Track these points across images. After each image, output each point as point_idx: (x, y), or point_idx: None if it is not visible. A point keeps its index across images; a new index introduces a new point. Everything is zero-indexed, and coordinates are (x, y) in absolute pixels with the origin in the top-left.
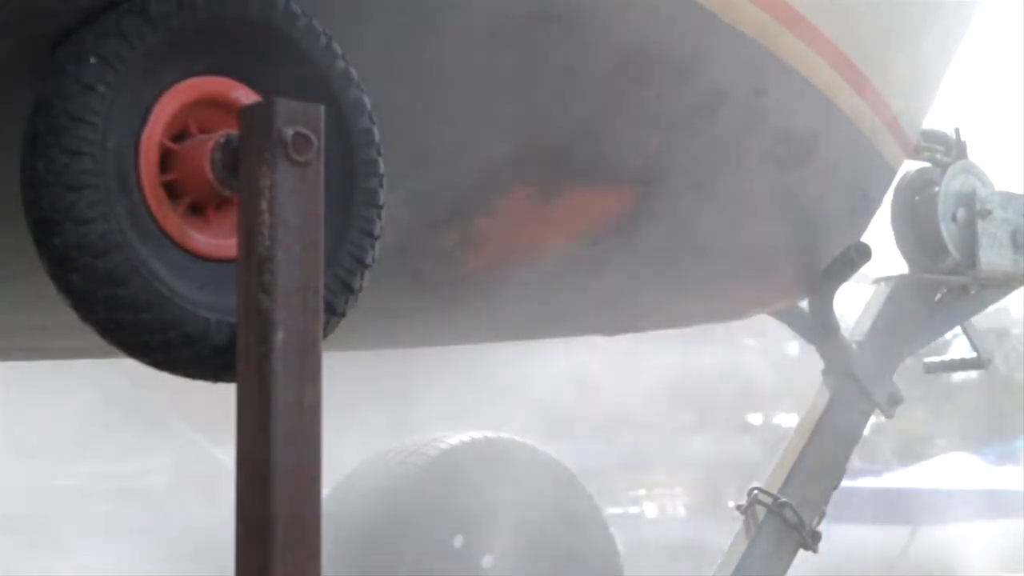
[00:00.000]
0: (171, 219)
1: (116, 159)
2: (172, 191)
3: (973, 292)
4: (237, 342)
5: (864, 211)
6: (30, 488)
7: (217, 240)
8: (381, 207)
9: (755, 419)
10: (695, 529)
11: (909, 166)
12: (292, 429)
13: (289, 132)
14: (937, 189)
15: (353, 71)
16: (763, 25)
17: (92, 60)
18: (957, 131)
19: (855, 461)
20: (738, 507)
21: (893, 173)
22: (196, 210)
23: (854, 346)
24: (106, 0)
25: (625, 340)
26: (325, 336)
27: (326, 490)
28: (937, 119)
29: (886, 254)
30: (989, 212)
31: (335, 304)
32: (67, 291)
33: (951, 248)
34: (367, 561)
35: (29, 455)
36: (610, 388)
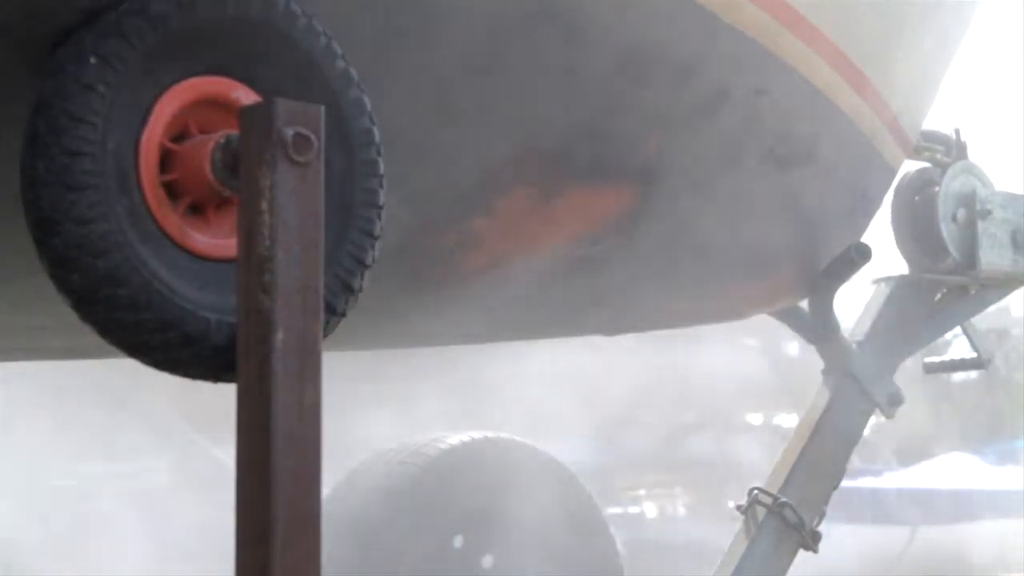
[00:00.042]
0: (171, 219)
1: (116, 159)
2: (172, 191)
3: (973, 292)
4: (237, 342)
5: (864, 211)
6: (30, 488)
7: (217, 240)
8: (381, 207)
9: (755, 419)
10: (695, 529)
11: (909, 166)
12: (292, 429)
13: (289, 132)
14: (937, 189)
15: (353, 71)
16: (763, 25)
17: (92, 60)
18: (957, 131)
19: (855, 461)
20: (738, 507)
21: (893, 173)
22: (196, 210)
23: (854, 346)
24: (106, 0)
25: (625, 340)
26: (325, 336)
27: (326, 490)
28: (937, 119)
29: (886, 254)
30: (989, 212)
31: (335, 304)
32: (67, 291)
33: (951, 248)
34: (367, 561)
35: (29, 455)
36: (610, 388)
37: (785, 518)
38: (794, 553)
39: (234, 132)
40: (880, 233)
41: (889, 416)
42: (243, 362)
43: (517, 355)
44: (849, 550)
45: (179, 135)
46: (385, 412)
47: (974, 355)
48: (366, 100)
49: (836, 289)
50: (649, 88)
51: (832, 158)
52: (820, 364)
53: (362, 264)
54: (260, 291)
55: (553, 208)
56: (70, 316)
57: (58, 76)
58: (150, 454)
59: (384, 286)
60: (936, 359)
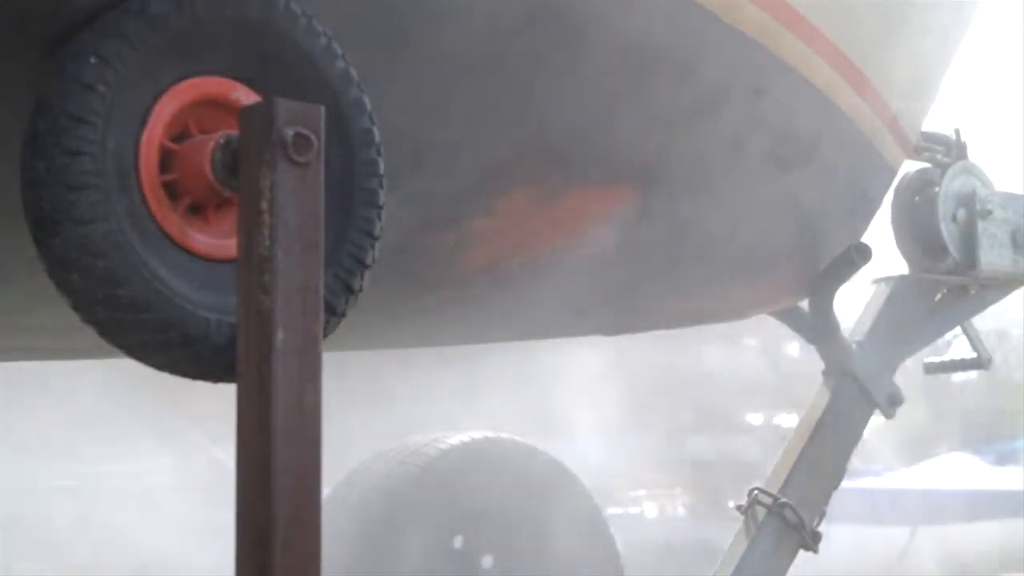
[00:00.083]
0: (171, 219)
1: (116, 159)
2: (172, 191)
3: (973, 292)
4: (237, 342)
5: (864, 211)
6: (30, 488)
7: (217, 240)
8: (381, 207)
9: (755, 419)
10: (695, 529)
11: (909, 166)
12: (292, 429)
13: (289, 132)
14: (937, 189)
15: (353, 71)
16: (763, 25)
17: (92, 60)
18: (957, 132)
19: (855, 461)
20: (738, 507)
21: (893, 173)
22: (196, 210)
23: (854, 346)
24: (106, 0)
25: (625, 340)
26: (325, 336)
27: (326, 490)
28: (937, 119)
29: (886, 254)
30: (989, 212)
31: (335, 304)
32: (67, 291)
33: (951, 248)
34: (367, 561)
35: (29, 455)
36: (610, 388)
37: (785, 518)
38: (794, 553)
39: (234, 132)
40: (880, 233)
41: (889, 416)
42: (243, 362)
43: (517, 355)
44: (849, 550)
45: (179, 135)
46: (385, 412)
47: (974, 355)
48: (366, 100)
49: (836, 289)
50: (649, 88)
51: (832, 158)
52: (820, 364)
53: (362, 264)
54: (260, 291)
55: (553, 208)
56: (70, 316)
57: (58, 76)
58: (150, 454)
59: (384, 286)
60: (936, 359)
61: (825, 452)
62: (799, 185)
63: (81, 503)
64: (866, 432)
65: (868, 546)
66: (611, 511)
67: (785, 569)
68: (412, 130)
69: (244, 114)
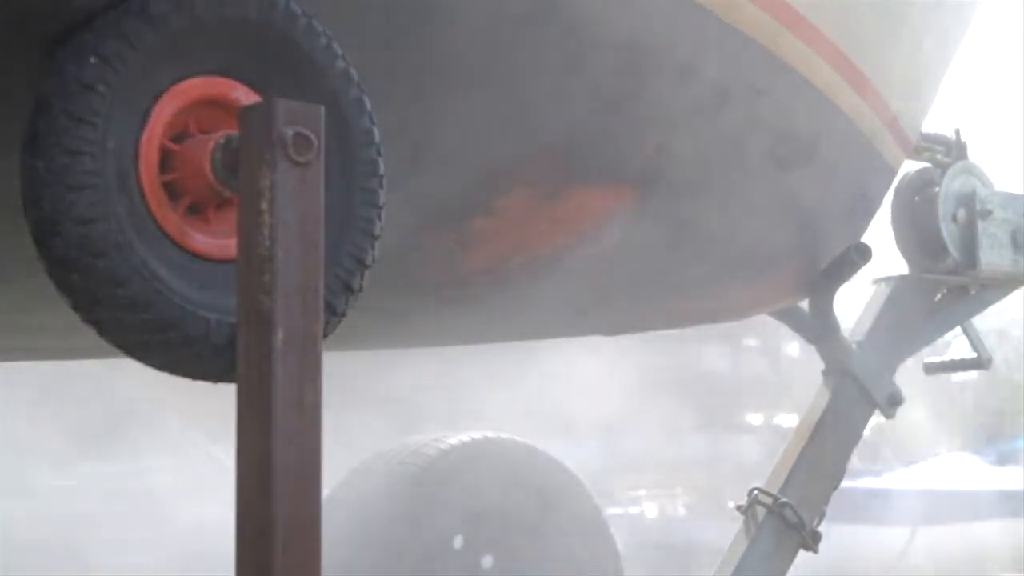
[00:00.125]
0: (171, 219)
1: (116, 159)
2: (172, 191)
3: (973, 292)
4: (237, 342)
5: (864, 211)
6: (30, 488)
7: (217, 240)
8: (381, 207)
9: (755, 419)
10: (695, 529)
11: (909, 166)
12: (292, 429)
13: (289, 132)
14: (937, 189)
15: (353, 71)
16: (763, 25)
17: (92, 60)
18: (957, 132)
19: (855, 461)
20: (738, 507)
21: (893, 173)
22: (196, 210)
23: (854, 346)
24: (106, 0)
25: (625, 340)
26: (325, 336)
27: (326, 490)
28: (937, 119)
29: (886, 254)
30: (989, 212)
31: (335, 304)
32: (67, 291)
33: (951, 248)
34: (367, 561)
35: (29, 455)
36: (610, 388)
37: (785, 518)
38: (794, 553)
39: (234, 132)
40: (880, 233)
41: (889, 416)
42: (243, 362)
43: (517, 355)
44: (849, 550)
45: (179, 135)
46: (385, 412)
47: (974, 355)
48: (366, 100)
49: (836, 289)
50: (649, 88)
51: (832, 158)
52: (820, 364)
53: (362, 264)
54: (260, 291)
55: (553, 208)
56: (70, 316)
57: (58, 76)
58: (150, 454)
59: (384, 286)
60: (936, 359)
61: (825, 452)
62: (799, 185)
63: (81, 503)
64: (866, 432)
65: (868, 546)
66: (611, 511)
67: (785, 569)
68: (412, 130)
69: (244, 114)
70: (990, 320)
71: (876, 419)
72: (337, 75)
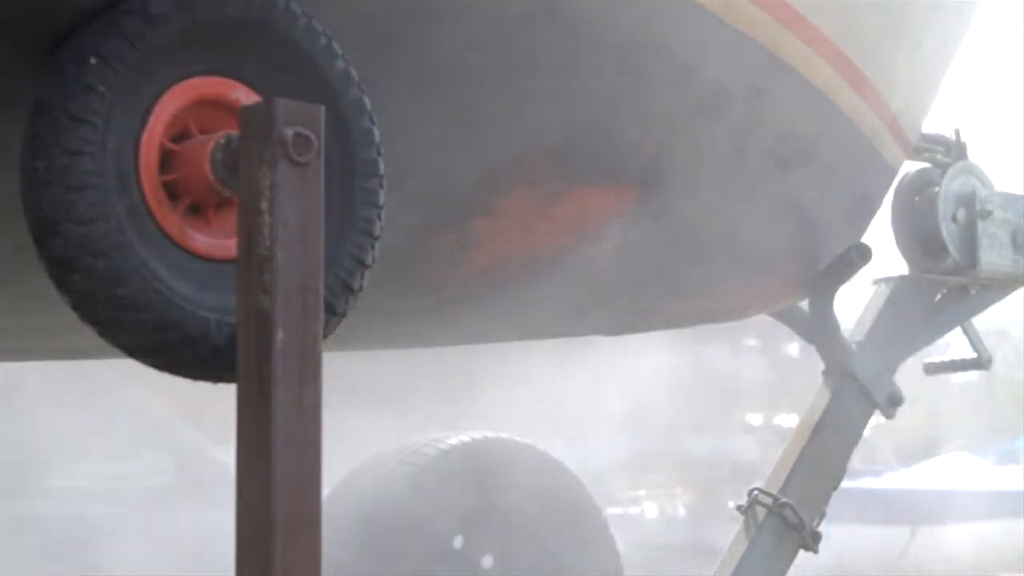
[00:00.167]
0: (171, 219)
1: (116, 159)
2: (172, 191)
3: (973, 292)
4: (237, 342)
5: (864, 212)
6: (30, 488)
7: (217, 240)
8: (381, 207)
9: (755, 419)
10: (695, 529)
11: (909, 166)
12: (292, 429)
13: (289, 132)
14: (937, 190)
15: (353, 71)
16: (763, 25)
17: (92, 60)
18: (957, 132)
19: (855, 461)
20: (738, 507)
21: (893, 173)
22: (196, 210)
23: (854, 346)
24: (106, 0)
25: (625, 340)
26: (325, 336)
27: (326, 490)
28: (937, 119)
29: (886, 254)
30: (989, 213)
31: (335, 304)
32: (67, 291)
33: (951, 248)
34: (367, 561)
35: (29, 455)
36: (610, 388)
37: (785, 518)
38: (794, 553)
39: (234, 132)
40: (880, 233)
41: (889, 416)
42: (243, 362)
43: (517, 355)
44: (849, 550)
45: (179, 135)
46: (385, 412)
47: (974, 355)
48: (366, 100)
49: (836, 289)
50: (649, 88)
51: (832, 158)
52: (820, 364)
53: (362, 264)
54: (260, 291)
55: (553, 208)
56: (70, 316)
57: (58, 76)
58: (150, 454)
59: (384, 286)
60: (936, 359)
61: (825, 452)
62: (799, 185)
63: (81, 503)
64: (866, 432)
65: (868, 546)
66: (611, 511)
67: (785, 569)
68: (412, 130)
69: (244, 114)
70: (990, 320)
71: (876, 419)
72: (337, 75)
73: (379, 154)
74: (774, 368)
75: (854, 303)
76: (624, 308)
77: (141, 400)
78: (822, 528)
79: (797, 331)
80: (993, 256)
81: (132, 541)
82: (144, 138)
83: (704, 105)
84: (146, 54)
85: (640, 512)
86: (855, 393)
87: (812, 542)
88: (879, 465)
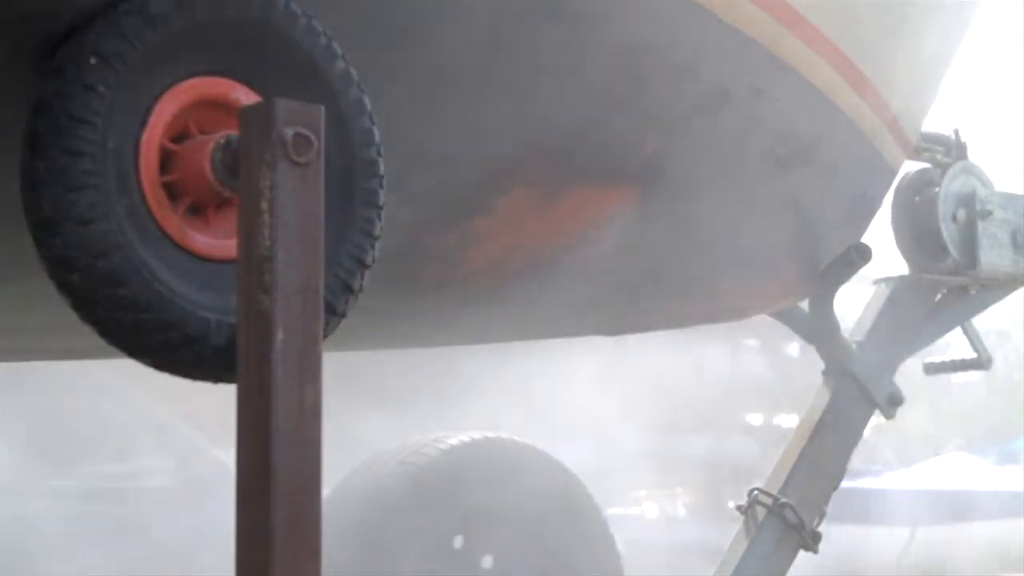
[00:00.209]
0: (171, 220)
1: (116, 160)
2: (172, 192)
3: (973, 293)
4: (237, 342)
5: (864, 212)
6: (30, 488)
7: (217, 240)
8: (381, 207)
9: (755, 419)
10: (695, 529)
11: (909, 166)
12: (292, 429)
13: (289, 132)
14: (937, 190)
15: (353, 71)
16: (763, 25)
17: (92, 60)
18: (957, 132)
19: (855, 461)
20: (738, 507)
21: (893, 173)
22: (196, 211)
23: (854, 346)
24: (106, 0)
25: (626, 340)
26: (325, 336)
27: (326, 490)
28: (937, 119)
29: (886, 254)
30: (989, 213)
31: (335, 304)
32: (67, 291)
33: (951, 248)
34: (367, 561)
35: (29, 455)
36: (610, 388)
37: (785, 518)
38: (794, 553)
39: (234, 132)
40: (880, 233)
41: (889, 416)
42: (243, 362)
43: (517, 355)
44: (849, 550)
45: (179, 135)
46: (385, 413)
47: (974, 355)
48: (366, 100)
49: (836, 289)
50: (649, 88)
51: (832, 158)
52: (820, 364)
53: (362, 264)
54: (260, 291)
55: (553, 208)
56: (70, 316)
57: (58, 76)
58: (150, 454)
59: (384, 286)
60: (936, 359)
61: (825, 452)
62: (799, 185)
63: (81, 503)
64: (866, 432)
65: (868, 546)
66: (611, 511)
67: (785, 569)
68: (412, 130)
69: (244, 114)
70: (990, 320)
71: (876, 419)
72: (337, 75)
73: (379, 154)
74: (774, 368)
75: (854, 303)
76: (624, 308)
77: (141, 400)
78: (822, 528)
79: (797, 331)
80: (993, 256)
81: (132, 541)
82: (144, 138)
83: (704, 105)
84: (146, 54)
85: (640, 512)
86: (855, 393)
87: (812, 542)
88: (879, 465)
